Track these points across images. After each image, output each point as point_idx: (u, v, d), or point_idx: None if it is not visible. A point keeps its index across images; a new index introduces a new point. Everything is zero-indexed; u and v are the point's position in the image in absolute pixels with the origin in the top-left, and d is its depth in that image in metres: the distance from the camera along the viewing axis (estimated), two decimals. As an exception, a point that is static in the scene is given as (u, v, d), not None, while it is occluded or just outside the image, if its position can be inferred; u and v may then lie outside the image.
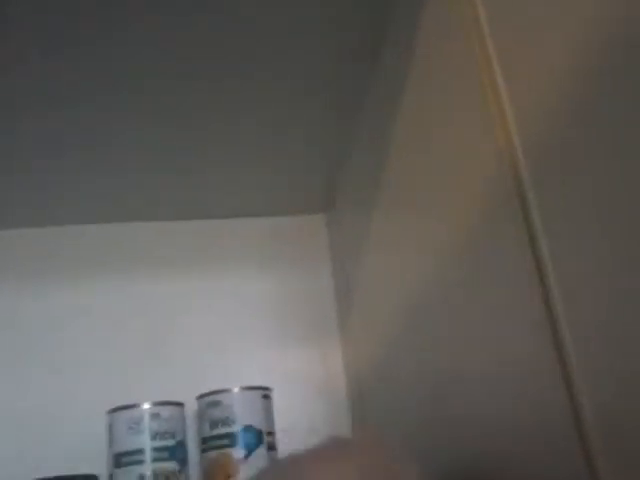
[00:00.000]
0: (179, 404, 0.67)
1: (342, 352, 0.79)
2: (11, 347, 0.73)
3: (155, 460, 0.63)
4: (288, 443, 0.66)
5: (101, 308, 0.76)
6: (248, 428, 0.65)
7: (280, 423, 0.68)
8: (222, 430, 0.65)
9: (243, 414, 0.65)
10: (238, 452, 0.64)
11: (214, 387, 0.67)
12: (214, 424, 0.65)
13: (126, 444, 0.63)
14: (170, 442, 0.64)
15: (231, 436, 0.64)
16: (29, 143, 0.64)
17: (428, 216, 0.49)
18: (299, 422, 0.73)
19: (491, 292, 0.39)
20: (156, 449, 0.63)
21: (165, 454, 0.63)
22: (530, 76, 0.33)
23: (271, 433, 0.66)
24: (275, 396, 0.69)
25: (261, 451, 0.64)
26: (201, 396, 0.67)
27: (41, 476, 0.61)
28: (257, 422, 0.65)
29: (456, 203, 0.43)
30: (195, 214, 0.81)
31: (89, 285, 0.76)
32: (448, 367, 0.47)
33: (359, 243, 0.70)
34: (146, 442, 0.63)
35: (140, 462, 0.62)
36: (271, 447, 0.66)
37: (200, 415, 0.67)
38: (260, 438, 0.65)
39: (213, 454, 0.65)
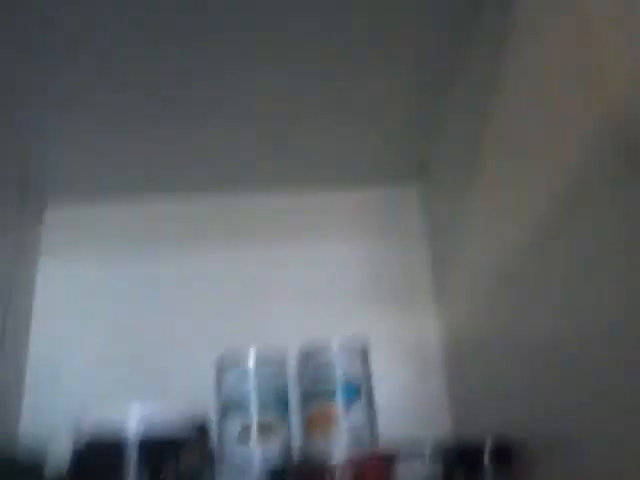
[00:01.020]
0: (283, 356, 0.69)
1: (436, 319, 0.79)
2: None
3: (259, 410, 0.64)
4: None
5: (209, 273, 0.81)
6: (349, 382, 0.66)
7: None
8: (323, 383, 0.66)
9: (343, 368, 0.66)
10: (338, 405, 0.65)
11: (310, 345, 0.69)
12: (315, 377, 0.67)
13: (232, 394, 0.66)
14: (273, 393, 0.66)
15: (332, 389, 0.65)
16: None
17: (523, 185, 0.49)
18: (393, 382, 0.75)
19: (587, 261, 0.40)
20: (260, 399, 0.65)
21: (268, 405, 0.65)
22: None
23: (370, 388, 0.67)
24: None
25: (360, 405, 0.66)
26: (303, 349, 0.69)
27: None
28: (357, 376, 0.67)
29: (553, 172, 0.44)
30: (293, 187, 0.84)
31: (201, 251, 0.82)
32: (545, 335, 0.47)
33: (454, 212, 0.70)
34: (251, 392, 0.65)
35: (245, 412, 0.64)
36: (370, 402, 0.67)
37: (301, 368, 0.69)
38: (359, 392, 0.66)
39: (314, 406, 0.66)
